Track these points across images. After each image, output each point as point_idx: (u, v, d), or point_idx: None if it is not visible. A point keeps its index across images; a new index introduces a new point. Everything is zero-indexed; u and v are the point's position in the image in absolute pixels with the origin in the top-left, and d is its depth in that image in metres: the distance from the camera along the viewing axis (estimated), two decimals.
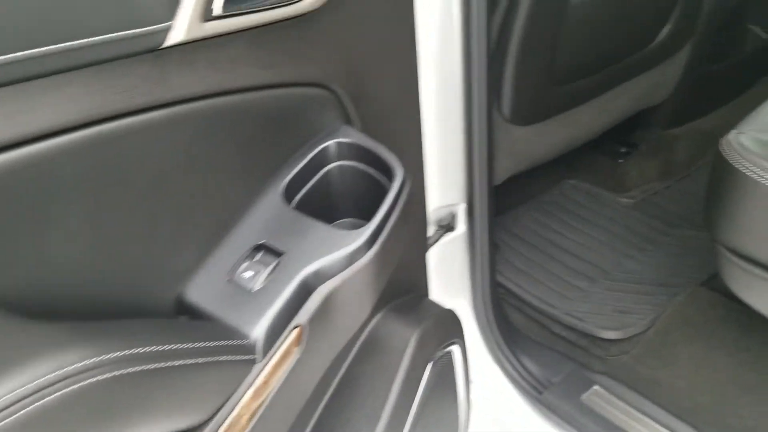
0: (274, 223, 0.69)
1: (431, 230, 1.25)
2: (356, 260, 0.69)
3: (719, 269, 1.16)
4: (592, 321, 1.39)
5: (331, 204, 0.79)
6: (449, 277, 1.33)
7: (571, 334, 1.39)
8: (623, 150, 1.91)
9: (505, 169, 1.51)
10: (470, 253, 1.30)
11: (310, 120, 0.76)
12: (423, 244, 1.06)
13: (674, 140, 1.95)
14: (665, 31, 1.59)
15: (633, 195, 1.81)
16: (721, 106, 2.01)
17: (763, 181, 1.00)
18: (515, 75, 1.33)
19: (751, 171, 1.02)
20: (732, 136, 1.10)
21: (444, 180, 1.24)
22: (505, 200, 1.74)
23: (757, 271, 1.07)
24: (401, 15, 0.86)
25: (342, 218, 0.81)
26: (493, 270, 1.32)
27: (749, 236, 1.06)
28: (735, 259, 1.10)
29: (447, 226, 1.28)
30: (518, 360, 1.32)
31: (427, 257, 1.15)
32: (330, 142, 0.76)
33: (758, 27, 2.00)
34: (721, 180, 1.09)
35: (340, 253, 0.67)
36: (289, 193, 0.72)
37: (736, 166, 1.03)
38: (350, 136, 0.77)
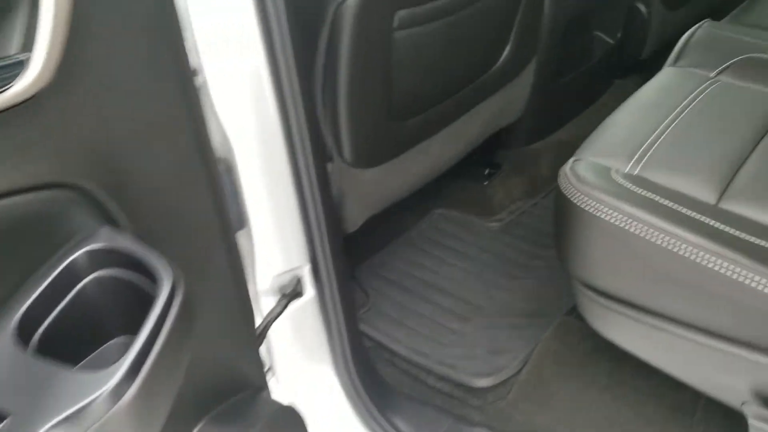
0: (1, 376, 0.54)
1: (273, 301, 1.13)
2: (115, 403, 0.55)
3: (576, 301, 1.10)
4: (466, 368, 1.30)
5: (96, 325, 0.65)
6: (307, 345, 1.21)
7: (446, 385, 1.30)
8: (487, 172, 1.85)
9: (358, 215, 1.41)
10: (324, 316, 1.19)
11: (50, 231, 0.62)
12: (249, 332, 0.94)
13: (536, 156, 1.91)
14: (506, 53, 1.54)
15: (501, 217, 1.75)
16: (578, 115, 2.01)
17: (600, 215, 0.94)
18: (350, 118, 1.23)
19: (588, 204, 0.95)
20: (569, 166, 1.04)
21: (283, 244, 1.13)
22: (371, 242, 1.64)
23: (608, 303, 1.01)
24: (173, 75, 0.73)
25: (116, 337, 0.67)
26: (353, 329, 1.21)
27: (596, 269, 1.00)
28: (587, 291, 1.04)
29: (293, 293, 1.16)
30: (392, 424, 1.21)
31: (264, 343, 1.03)
32: (79, 253, 0.62)
33: (603, 33, 2.01)
34: (562, 213, 1.02)
35: (89, 402, 0.54)
36: (26, 330, 0.58)
37: (574, 201, 0.97)
38: (107, 240, 0.64)
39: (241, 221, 1.09)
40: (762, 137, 1.09)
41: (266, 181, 1.06)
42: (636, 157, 1.05)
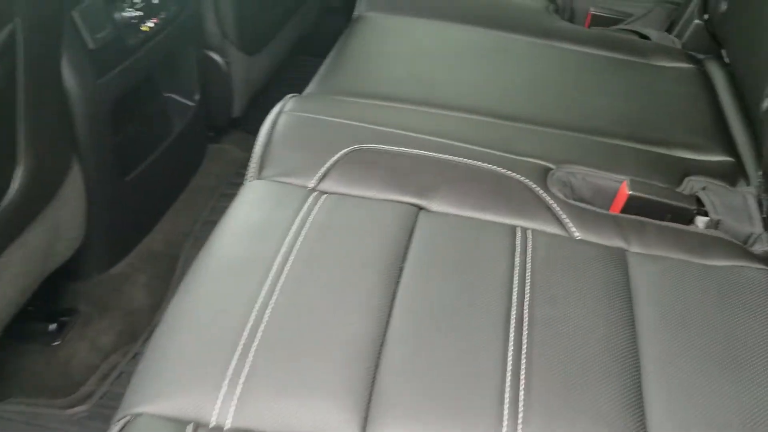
0: None
1: None
2: None
3: None
4: None
5: None
6: None
7: None
8: (55, 326, 1.28)
9: None
10: None
11: None
12: None
13: (125, 279, 1.40)
14: (19, 176, 0.99)
15: (89, 390, 1.22)
16: (170, 206, 1.54)
17: None
18: None
19: None
20: None
21: None
22: None
23: None
24: None
25: None
26: None
27: None
28: None
29: None
30: None
31: None
32: None
33: (179, 95, 1.57)
34: None
35: None
36: None
37: None
38: None
39: None
40: (395, 291, 0.75)
41: None
42: (226, 386, 0.63)
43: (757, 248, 0.89)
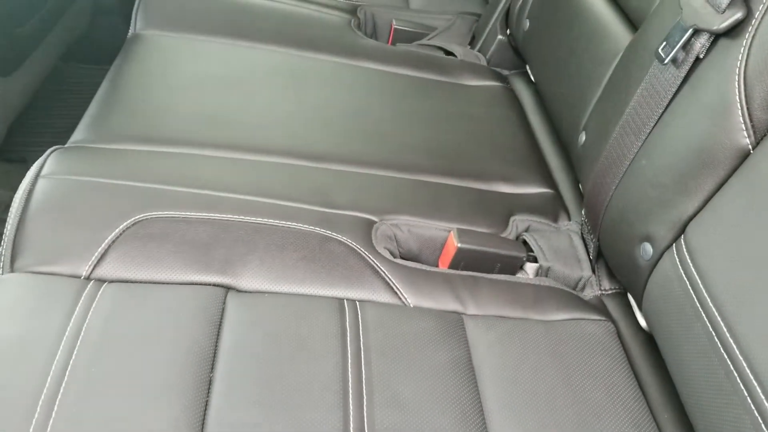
0: None
1: None
2: None
3: None
4: None
5: None
6: None
7: None
8: None
9: None
10: None
11: None
12: None
13: None
14: None
15: None
16: None
17: None
18: None
19: None
20: None
21: None
22: None
23: None
24: None
25: None
26: None
27: None
28: None
29: None
30: None
31: None
32: None
33: None
34: None
35: None
36: None
37: None
38: None
39: None
40: (204, 418, 0.60)
41: None
42: None
43: (588, 293, 0.86)
